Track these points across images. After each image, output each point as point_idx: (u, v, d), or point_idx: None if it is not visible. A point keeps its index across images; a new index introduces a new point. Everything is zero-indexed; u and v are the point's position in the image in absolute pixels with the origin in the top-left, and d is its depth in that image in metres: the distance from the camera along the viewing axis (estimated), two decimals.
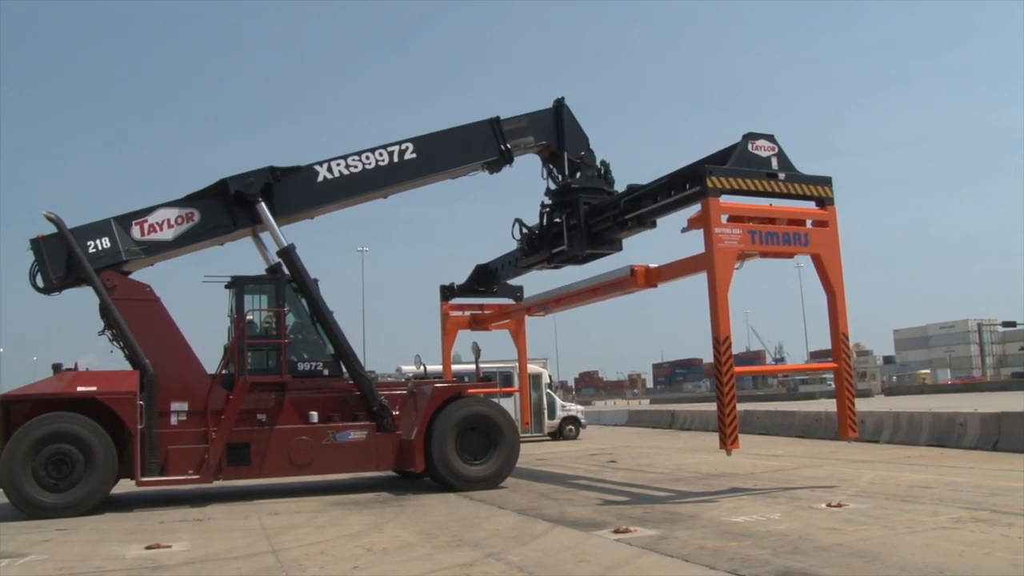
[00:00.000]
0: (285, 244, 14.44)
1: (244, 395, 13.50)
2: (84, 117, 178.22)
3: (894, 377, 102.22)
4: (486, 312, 20.71)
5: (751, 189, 12.14)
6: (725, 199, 11.97)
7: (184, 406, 13.38)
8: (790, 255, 12.61)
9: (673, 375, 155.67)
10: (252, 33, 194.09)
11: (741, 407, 31.56)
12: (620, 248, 15.70)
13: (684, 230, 12.45)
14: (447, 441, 13.70)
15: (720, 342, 11.48)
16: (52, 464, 12.07)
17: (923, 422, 19.67)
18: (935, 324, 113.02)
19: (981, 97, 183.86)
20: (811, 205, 12.66)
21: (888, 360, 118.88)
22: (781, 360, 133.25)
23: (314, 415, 13.91)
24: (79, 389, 12.58)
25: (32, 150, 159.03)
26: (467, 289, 20.13)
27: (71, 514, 11.89)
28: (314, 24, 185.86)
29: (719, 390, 11.57)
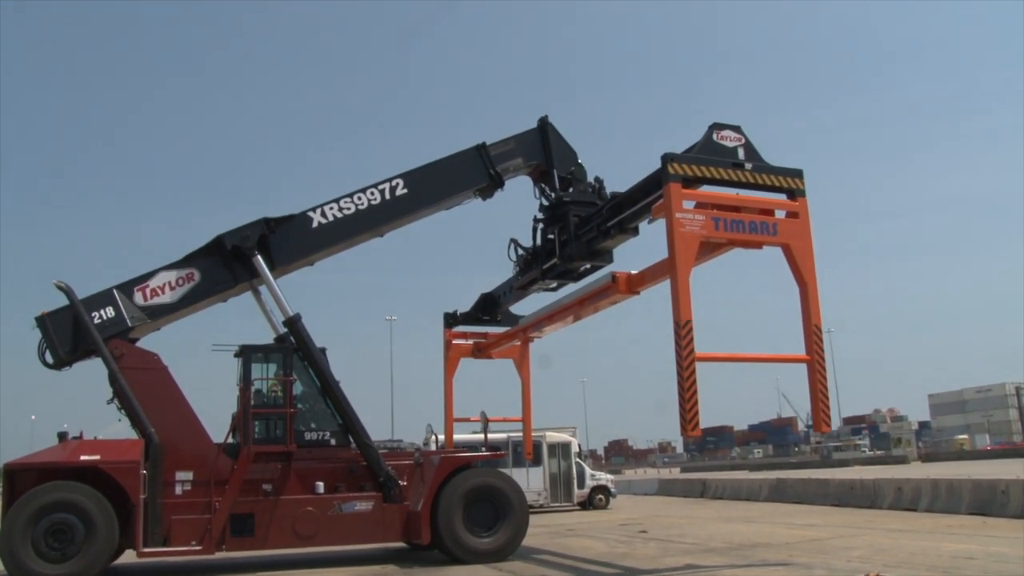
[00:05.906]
0: (291, 313, 14.25)
1: (249, 464, 13.17)
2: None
3: (928, 442, 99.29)
4: (488, 340, 20.04)
5: (715, 177, 11.77)
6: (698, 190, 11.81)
7: (189, 475, 13.07)
8: (758, 244, 12.19)
9: (704, 443, 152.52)
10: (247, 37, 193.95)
11: (773, 474, 30.53)
12: (611, 260, 15.19)
13: (650, 221, 12.46)
14: (454, 513, 13.21)
15: (680, 326, 11.05)
16: (52, 534, 11.76)
17: (963, 489, 18.82)
18: (971, 388, 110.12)
19: (1007, 157, 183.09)
20: (782, 198, 12.30)
21: (924, 425, 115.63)
22: (811, 427, 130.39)
23: (320, 485, 13.53)
24: (82, 458, 12.39)
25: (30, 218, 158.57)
26: (470, 317, 19.71)
27: None
28: (306, 28, 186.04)
29: (679, 375, 11.03)
